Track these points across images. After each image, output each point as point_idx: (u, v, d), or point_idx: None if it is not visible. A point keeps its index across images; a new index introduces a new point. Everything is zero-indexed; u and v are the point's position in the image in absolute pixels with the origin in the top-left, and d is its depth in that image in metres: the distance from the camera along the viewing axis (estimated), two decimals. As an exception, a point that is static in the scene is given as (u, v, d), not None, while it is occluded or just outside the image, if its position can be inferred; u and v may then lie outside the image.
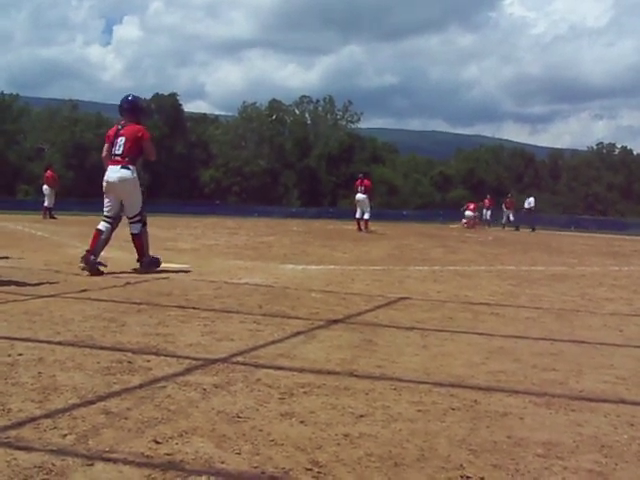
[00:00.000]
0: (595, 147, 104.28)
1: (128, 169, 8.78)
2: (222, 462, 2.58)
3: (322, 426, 3.04)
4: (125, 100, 9.27)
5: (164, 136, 75.28)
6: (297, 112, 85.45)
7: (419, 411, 3.33)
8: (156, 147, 9.10)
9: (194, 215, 33.90)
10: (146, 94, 79.47)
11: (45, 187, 26.64)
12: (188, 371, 3.84)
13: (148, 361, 4.01)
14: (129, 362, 3.96)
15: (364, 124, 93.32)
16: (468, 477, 2.57)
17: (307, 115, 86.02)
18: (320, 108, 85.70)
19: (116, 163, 8.83)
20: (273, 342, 4.75)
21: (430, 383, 3.84)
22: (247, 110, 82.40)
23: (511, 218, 40.44)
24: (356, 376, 3.93)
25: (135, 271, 8.71)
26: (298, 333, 5.12)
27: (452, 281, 9.29)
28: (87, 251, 8.48)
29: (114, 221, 8.88)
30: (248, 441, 2.81)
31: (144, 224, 8.99)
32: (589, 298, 8.10)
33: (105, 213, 8.91)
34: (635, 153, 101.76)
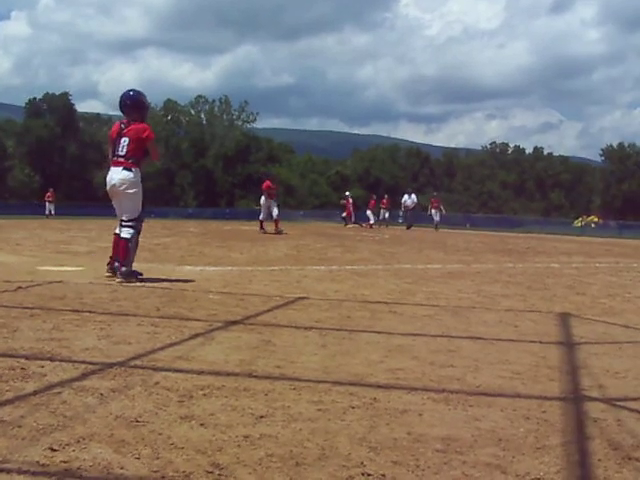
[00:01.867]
0: (489, 146, 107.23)
1: (130, 171, 8.45)
2: (121, 467, 2.53)
3: (222, 428, 3.02)
4: (127, 96, 8.76)
5: (56, 137, 73.59)
6: (193, 112, 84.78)
7: (319, 410, 3.34)
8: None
9: (88, 217, 33.15)
10: (37, 93, 77.71)
11: None
12: (84, 376, 3.76)
13: (42, 367, 3.90)
14: (22, 368, 3.84)
15: (260, 124, 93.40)
16: (369, 474, 2.59)
17: (203, 115, 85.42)
18: (216, 108, 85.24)
19: (118, 164, 8.51)
20: (171, 344, 4.70)
21: (329, 382, 3.86)
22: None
23: (386, 217, 42.12)
24: (255, 377, 3.91)
25: (111, 279, 8.35)
26: (196, 335, 5.07)
27: (349, 280, 9.36)
28: (110, 258, 8.57)
29: (129, 223, 8.57)
30: (147, 445, 2.77)
31: (138, 232, 8.68)
32: (485, 295, 8.28)
33: (119, 218, 8.67)
34: (527, 152, 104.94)
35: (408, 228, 37.42)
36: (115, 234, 8.65)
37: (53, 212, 44.12)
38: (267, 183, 24.66)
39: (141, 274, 8.52)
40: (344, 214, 39.89)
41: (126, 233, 8.46)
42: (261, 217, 24.40)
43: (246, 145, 79.08)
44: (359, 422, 3.19)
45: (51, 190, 47.19)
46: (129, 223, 8.51)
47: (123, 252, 8.38)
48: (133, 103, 8.72)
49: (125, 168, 8.44)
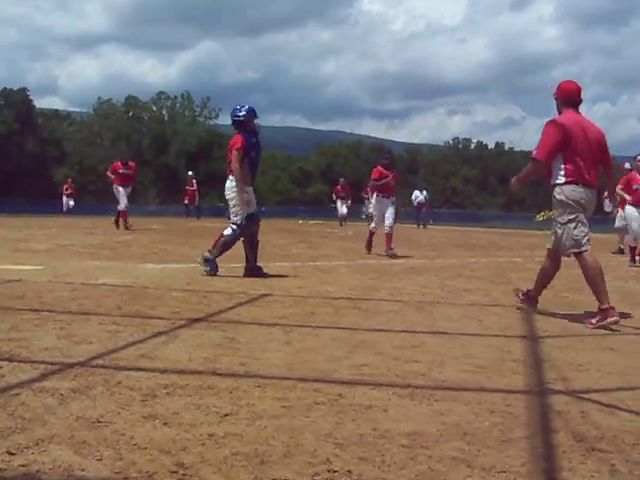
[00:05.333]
0: (451, 142, 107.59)
1: (229, 178, 9.39)
2: (82, 470, 2.48)
3: (186, 427, 2.99)
4: (230, 114, 9.79)
5: (14, 133, 72.59)
6: (154, 109, 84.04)
7: (284, 407, 3.32)
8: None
9: (48, 215, 32.66)
10: (-8, 88, 76.50)
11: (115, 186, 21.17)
12: (44, 376, 3.70)
13: (0, 367, 3.83)
14: (-20, 369, 3.77)
15: (223, 120, 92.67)
16: (335, 471, 2.57)
17: (164, 111, 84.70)
18: (178, 104, 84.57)
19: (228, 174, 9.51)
20: (133, 343, 4.65)
21: (294, 379, 3.84)
22: (102, 107, 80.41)
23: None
24: (219, 375, 3.88)
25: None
26: (159, 333, 5.03)
27: (313, 276, 9.36)
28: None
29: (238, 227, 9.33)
30: (110, 446, 2.72)
31: (236, 234, 9.32)
32: (448, 290, 8.32)
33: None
34: (490, 147, 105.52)
35: (424, 227, 35.28)
36: (221, 233, 9.52)
37: (72, 205, 39.02)
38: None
39: (217, 270, 9.12)
40: (186, 201, 35.75)
41: (227, 230, 9.35)
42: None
43: (209, 142, 78.54)
44: (324, 418, 3.17)
45: (69, 181, 41.44)
46: (233, 225, 9.35)
47: (215, 241, 9.32)
48: (232, 120, 9.69)
49: (228, 177, 9.42)
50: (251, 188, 9.50)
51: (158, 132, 79.62)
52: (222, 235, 9.28)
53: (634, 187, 13.25)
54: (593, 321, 6.14)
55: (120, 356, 4.27)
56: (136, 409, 3.21)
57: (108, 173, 21.83)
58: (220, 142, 78.97)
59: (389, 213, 14.31)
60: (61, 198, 39.91)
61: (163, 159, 76.76)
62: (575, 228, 6.42)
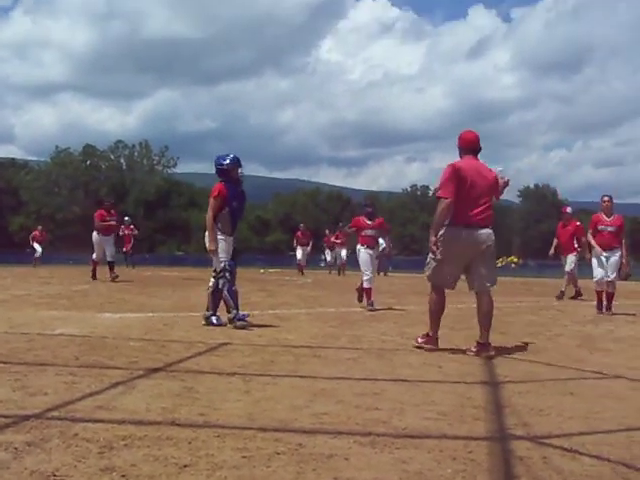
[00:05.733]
0: (410, 189, 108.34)
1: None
2: (36, 526, 2.42)
3: (144, 479, 2.93)
4: (214, 162, 9.59)
5: (-33, 182, 71.98)
6: (112, 157, 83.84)
7: (244, 457, 3.27)
8: None
9: (3, 265, 32.20)
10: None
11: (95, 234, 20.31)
12: (-3, 430, 3.61)
13: (-48, 421, 3.74)
14: None
15: (182, 169, 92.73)
16: (296, 522, 2.53)
17: (122, 160, 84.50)
18: (136, 153, 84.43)
19: None
20: (91, 394, 4.57)
21: (254, 428, 3.79)
22: (60, 155, 79.98)
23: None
24: (178, 425, 3.83)
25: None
26: (117, 384, 4.95)
27: (273, 325, 9.31)
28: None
29: (216, 274, 9.25)
30: (65, 501, 2.66)
31: (219, 284, 9.20)
32: (408, 337, 8.30)
33: None
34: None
35: (385, 274, 35.50)
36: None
37: (39, 254, 35.60)
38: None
39: (245, 317, 9.17)
40: (125, 249, 32.48)
41: (220, 281, 9.23)
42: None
43: (167, 190, 78.59)
44: (285, 468, 3.13)
45: (39, 228, 37.83)
46: (221, 273, 9.22)
47: (217, 300, 9.31)
48: (215, 168, 9.56)
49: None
50: (231, 238, 9.36)
51: (116, 181, 79.45)
52: (221, 293, 9.19)
53: (599, 228, 13.00)
54: (419, 340, 7.32)
55: (77, 407, 4.19)
56: (93, 462, 3.14)
57: (101, 224, 20.25)
58: (179, 190, 79.11)
59: (372, 266, 13.96)
60: (33, 247, 36.58)
61: (121, 208, 76.29)
62: (433, 268, 7.52)
